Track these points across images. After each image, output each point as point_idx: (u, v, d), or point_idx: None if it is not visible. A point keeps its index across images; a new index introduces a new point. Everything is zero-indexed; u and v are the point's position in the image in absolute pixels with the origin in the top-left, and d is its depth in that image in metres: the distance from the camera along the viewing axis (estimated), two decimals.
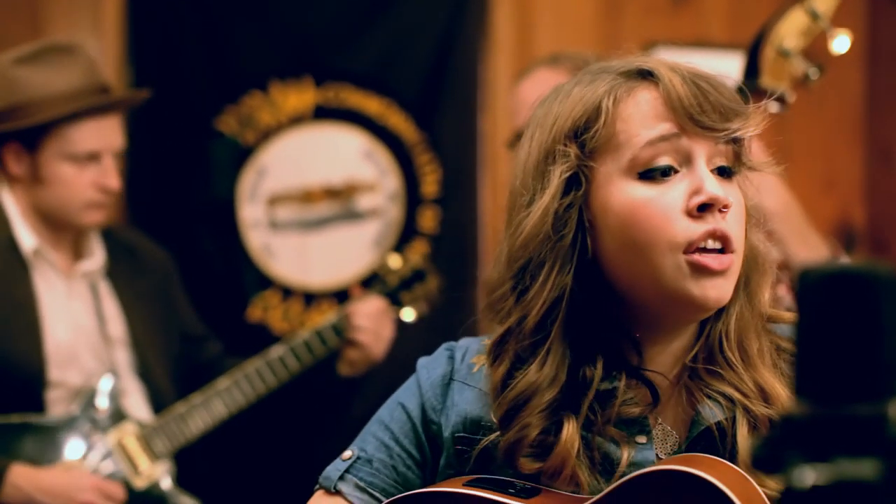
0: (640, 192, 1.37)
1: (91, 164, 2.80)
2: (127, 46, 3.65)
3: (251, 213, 3.79)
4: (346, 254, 3.83)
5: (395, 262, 3.21)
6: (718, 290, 1.36)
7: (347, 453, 1.50)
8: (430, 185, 3.87)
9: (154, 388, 2.92)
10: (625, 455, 1.38)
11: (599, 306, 1.40)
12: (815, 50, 2.52)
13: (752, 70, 2.42)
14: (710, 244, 1.36)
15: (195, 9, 3.74)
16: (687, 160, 1.38)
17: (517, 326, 1.41)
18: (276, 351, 3.03)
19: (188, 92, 3.51)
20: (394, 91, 3.84)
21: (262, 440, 3.58)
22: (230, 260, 3.77)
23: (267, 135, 3.80)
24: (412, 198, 3.86)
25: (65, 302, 2.85)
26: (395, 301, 3.15)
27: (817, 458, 0.75)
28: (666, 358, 1.42)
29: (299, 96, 3.81)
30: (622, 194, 1.37)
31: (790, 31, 2.42)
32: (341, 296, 3.82)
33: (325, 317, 3.24)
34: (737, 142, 1.40)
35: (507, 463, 1.41)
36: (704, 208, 1.36)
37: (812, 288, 0.79)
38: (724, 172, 1.40)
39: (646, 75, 1.41)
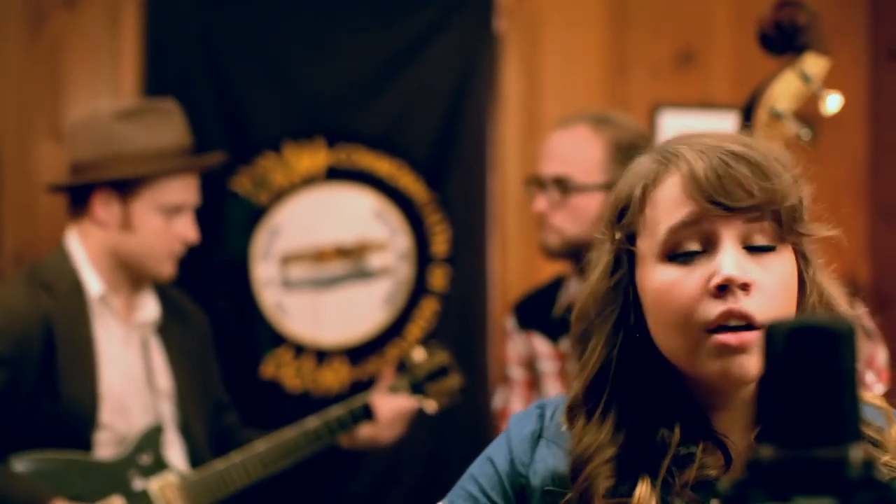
0: (668, 274, 1.42)
1: (176, 217, 2.98)
2: None
3: (264, 272, 3.85)
4: (357, 312, 3.89)
5: (419, 355, 3.30)
6: (740, 368, 1.39)
7: None
8: (440, 244, 3.93)
9: (193, 443, 3.03)
10: None
11: (655, 374, 1.45)
12: (813, 111, 2.58)
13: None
14: (733, 322, 1.38)
15: (210, 72, 3.82)
16: (712, 241, 1.41)
17: (578, 391, 1.49)
18: (312, 423, 3.11)
19: (202, 153, 3.56)
20: (404, 152, 3.91)
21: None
22: (244, 318, 3.83)
23: (280, 195, 3.87)
24: (422, 257, 3.92)
25: (120, 349, 2.96)
26: (420, 390, 3.24)
27: (781, 498, 0.81)
28: (731, 426, 1.46)
29: (312, 158, 3.88)
30: (654, 276, 1.43)
31: (782, 93, 2.47)
32: (353, 353, 3.87)
33: (357, 398, 3.28)
34: (776, 215, 1.41)
35: None
36: (724, 289, 1.38)
37: (777, 340, 0.85)
38: (761, 248, 1.41)
39: (673, 159, 1.44)
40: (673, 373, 1.45)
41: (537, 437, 1.53)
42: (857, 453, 0.83)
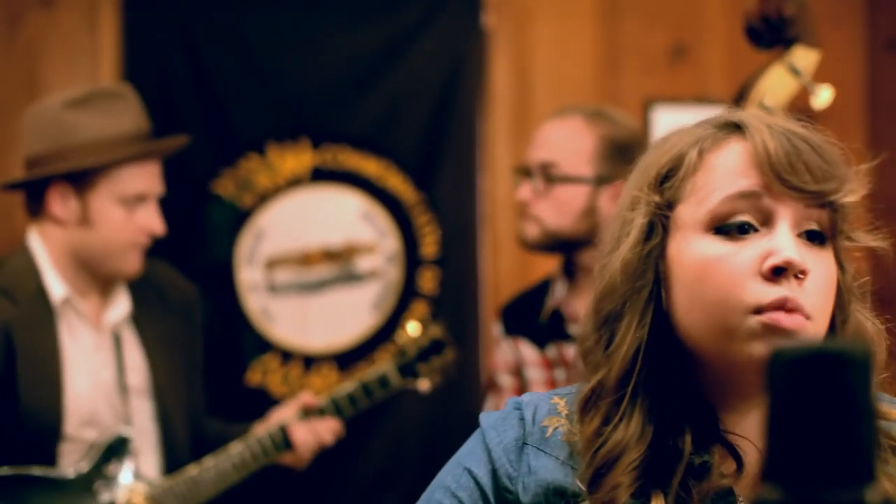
0: (715, 247, 1.30)
1: (138, 207, 2.80)
2: None
3: (249, 277, 3.78)
4: (345, 316, 3.81)
5: (413, 330, 3.15)
6: None
7: None
8: (430, 245, 3.85)
9: (171, 438, 2.88)
10: None
11: (673, 365, 1.34)
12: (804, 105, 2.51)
13: None
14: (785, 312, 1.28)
15: (191, 72, 3.75)
16: (768, 220, 1.30)
17: (604, 380, 1.34)
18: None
19: (185, 156, 3.49)
20: (392, 152, 3.83)
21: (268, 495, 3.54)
22: (229, 323, 3.75)
23: (264, 198, 3.80)
24: (411, 259, 3.84)
25: (89, 354, 2.82)
26: (412, 372, 3.07)
27: None
28: (743, 428, 1.34)
29: (297, 159, 3.81)
30: (696, 248, 1.32)
31: (770, 87, 2.41)
32: (341, 359, 3.79)
33: (343, 384, 3.18)
34: (833, 207, 1.32)
35: None
36: (779, 272, 1.28)
37: (784, 369, 0.76)
38: (814, 237, 1.32)
39: (739, 127, 1.35)
40: (687, 366, 1.33)
41: (521, 445, 1.38)
42: (874, 495, 0.74)
